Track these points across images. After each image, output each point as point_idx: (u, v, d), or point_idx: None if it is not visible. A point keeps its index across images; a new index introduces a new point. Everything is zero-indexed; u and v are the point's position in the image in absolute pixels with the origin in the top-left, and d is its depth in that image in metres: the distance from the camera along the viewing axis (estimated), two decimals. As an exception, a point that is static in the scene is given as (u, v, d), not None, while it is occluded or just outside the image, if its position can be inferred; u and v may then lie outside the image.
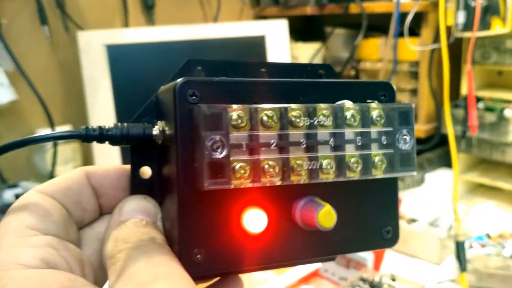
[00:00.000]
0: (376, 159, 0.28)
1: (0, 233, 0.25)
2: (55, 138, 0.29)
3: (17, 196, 0.95)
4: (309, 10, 1.42)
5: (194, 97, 0.26)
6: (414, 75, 1.28)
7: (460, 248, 0.89)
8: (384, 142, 0.28)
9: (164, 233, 0.28)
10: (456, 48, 1.16)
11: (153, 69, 1.13)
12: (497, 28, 1.02)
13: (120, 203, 0.29)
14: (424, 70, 1.23)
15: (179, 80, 0.26)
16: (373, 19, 1.32)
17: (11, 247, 0.24)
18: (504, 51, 1.12)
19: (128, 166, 0.30)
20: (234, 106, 0.25)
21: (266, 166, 0.26)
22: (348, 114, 0.28)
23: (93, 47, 1.07)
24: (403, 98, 1.31)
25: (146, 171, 0.30)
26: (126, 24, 1.27)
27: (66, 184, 0.28)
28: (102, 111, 1.08)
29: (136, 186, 0.30)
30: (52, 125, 1.06)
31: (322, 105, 0.27)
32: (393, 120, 0.29)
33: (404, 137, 0.29)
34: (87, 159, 1.17)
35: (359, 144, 0.28)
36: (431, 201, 1.15)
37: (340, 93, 0.29)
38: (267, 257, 0.28)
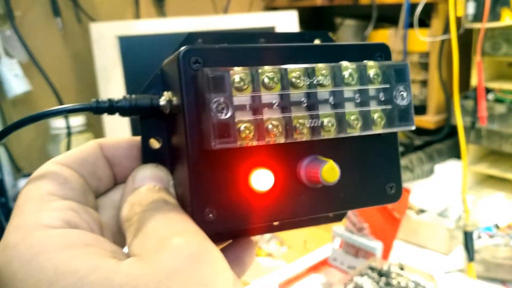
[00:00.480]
0: (375, 115, 0.29)
1: (21, 200, 0.26)
2: (68, 111, 0.30)
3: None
4: (319, 1, 1.42)
5: (197, 64, 0.27)
6: (424, 66, 1.28)
7: (468, 238, 0.90)
8: (382, 99, 0.29)
9: (176, 198, 0.29)
10: (466, 39, 1.15)
11: (164, 59, 1.14)
12: (507, 19, 1.01)
13: (133, 171, 0.30)
14: (434, 61, 1.23)
15: (182, 48, 0.27)
16: (383, 10, 1.32)
17: (33, 211, 0.25)
18: (514, 42, 1.12)
19: (139, 137, 0.31)
20: (237, 68, 0.26)
21: (270, 126, 0.27)
22: (346, 73, 0.29)
23: (105, 39, 1.09)
24: (413, 89, 1.31)
25: (156, 142, 0.31)
26: (137, 15, 1.28)
27: (81, 155, 0.29)
28: (114, 102, 1.09)
29: (147, 156, 0.31)
30: (66, 115, 1.08)
31: (320, 65, 0.28)
32: (390, 77, 0.30)
33: (401, 93, 0.30)
34: (100, 149, 1.19)
35: (358, 101, 0.29)
36: (440, 192, 1.16)
37: (338, 55, 0.30)
38: (275, 214, 0.29)
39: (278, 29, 1.25)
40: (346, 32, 1.46)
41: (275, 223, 0.32)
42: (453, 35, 1.02)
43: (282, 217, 0.29)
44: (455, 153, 1.30)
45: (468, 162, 1.17)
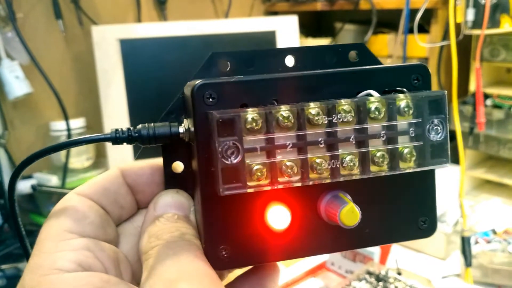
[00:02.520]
0: (405, 151, 0.27)
1: (41, 238, 0.27)
2: (88, 142, 0.30)
3: (33, 187, 0.97)
4: (319, 5, 1.43)
5: (211, 99, 0.26)
6: (423, 72, 1.29)
7: (465, 244, 0.90)
8: (412, 135, 0.27)
9: (196, 225, 0.29)
10: (465, 45, 1.16)
11: (165, 63, 1.15)
12: (506, 26, 1.02)
13: (155, 197, 0.30)
14: (433, 66, 1.24)
15: (197, 82, 0.26)
16: (383, 15, 1.32)
17: (49, 253, 0.26)
18: (513, 49, 1.13)
19: (161, 162, 0.31)
20: (249, 109, 0.25)
21: (284, 167, 0.25)
22: (372, 107, 0.26)
23: (107, 42, 1.09)
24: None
25: (178, 166, 0.31)
26: (139, 19, 1.28)
27: (103, 184, 0.30)
28: (115, 104, 1.10)
29: (170, 180, 0.31)
30: (66, 117, 1.09)
31: (342, 101, 0.26)
32: (423, 109, 0.27)
33: (436, 127, 0.27)
34: (100, 151, 1.20)
35: (383, 138, 0.27)
36: (437, 196, 1.16)
37: (367, 80, 0.28)
38: (293, 252, 0.28)
39: (279, 34, 1.25)
40: (346, 37, 1.46)
41: None
42: (453, 41, 1.03)
43: (300, 255, 0.28)
44: (453, 158, 1.31)
45: (466, 167, 1.18)
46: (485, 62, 1.16)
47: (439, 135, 0.27)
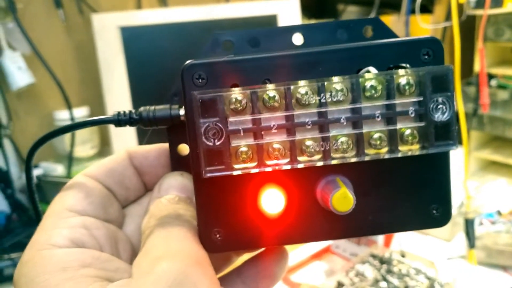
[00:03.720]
0: (407, 133, 0.25)
1: (45, 216, 0.28)
2: (92, 124, 0.31)
3: (38, 177, 0.98)
4: (322, -13, 1.41)
5: (201, 80, 0.25)
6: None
7: (469, 225, 0.90)
8: (412, 115, 0.25)
9: None
10: (470, 25, 1.15)
11: (167, 50, 1.14)
12: (509, 5, 1.01)
13: (160, 180, 0.31)
14: (436, 47, 1.23)
15: (186, 63, 0.25)
16: (386, -4, 1.31)
17: (47, 229, 0.27)
18: (518, 28, 1.11)
19: (167, 145, 0.32)
20: (232, 89, 0.24)
21: (270, 149, 0.25)
22: (367, 85, 0.24)
23: (108, 30, 1.09)
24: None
25: (184, 148, 0.31)
26: (139, 6, 1.28)
27: (109, 166, 0.31)
28: (118, 92, 1.10)
29: (176, 162, 0.31)
30: (69, 106, 1.09)
31: (334, 79, 0.24)
32: (425, 87, 0.24)
33: (440, 106, 0.25)
34: (104, 140, 1.20)
35: (378, 119, 0.25)
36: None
37: (369, 57, 0.26)
38: (288, 237, 0.27)
39: (281, 17, 1.24)
40: (349, 18, 1.45)
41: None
42: (455, 21, 1.01)
43: (296, 241, 0.27)
44: (458, 139, 1.30)
45: (471, 148, 1.17)
46: (490, 42, 1.15)
47: (445, 115, 0.25)
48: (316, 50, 0.26)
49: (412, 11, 1.19)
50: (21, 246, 0.96)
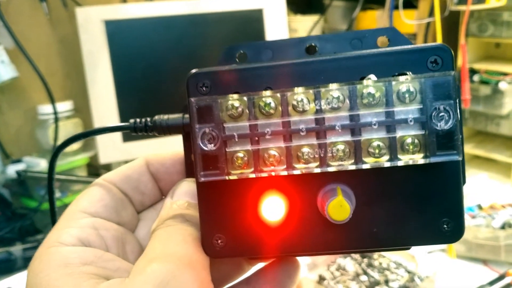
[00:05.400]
0: (407, 141, 0.24)
1: (61, 216, 0.30)
2: (110, 130, 0.33)
3: (18, 173, 0.98)
4: (308, -18, 1.41)
5: (205, 88, 0.26)
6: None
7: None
8: (412, 123, 0.24)
9: None
10: (454, 21, 1.16)
11: (152, 44, 1.14)
12: (492, 1, 1.01)
13: (174, 186, 0.32)
14: (420, 43, 1.24)
15: (191, 71, 0.26)
16: (371, -9, 1.31)
17: (59, 229, 0.29)
18: (500, 24, 1.12)
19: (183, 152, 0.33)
20: (229, 95, 0.25)
21: (266, 155, 0.25)
22: (365, 92, 0.24)
23: (92, 23, 1.08)
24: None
25: None
26: (124, -1, 1.27)
27: (127, 172, 0.33)
28: (102, 87, 1.10)
29: (190, 169, 0.32)
30: (52, 101, 1.08)
31: (330, 86, 0.24)
32: (425, 95, 0.24)
33: (442, 114, 0.24)
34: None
35: (375, 126, 0.24)
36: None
37: (372, 65, 0.25)
38: (290, 247, 0.27)
39: (266, 12, 1.24)
40: (335, 13, 1.45)
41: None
42: (437, 17, 1.02)
43: (298, 251, 0.27)
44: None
45: (454, 143, 1.18)
46: (473, 38, 1.16)
47: (448, 123, 0.24)
48: (318, 59, 0.26)
49: (396, 7, 1.20)
50: (4, 242, 0.96)
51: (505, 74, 1.13)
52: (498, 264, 0.89)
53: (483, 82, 1.16)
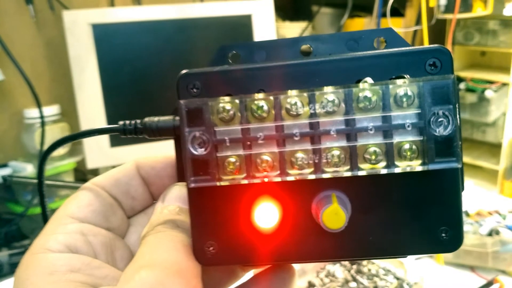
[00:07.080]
0: (405, 147, 0.23)
1: (49, 220, 0.29)
2: (99, 132, 0.31)
3: (3, 178, 0.96)
4: (296, -12, 1.42)
5: (195, 90, 0.25)
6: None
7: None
8: (409, 128, 0.23)
9: None
10: (440, 29, 1.17)
11: (139, 48, 1.13)
12: (478, 10, 1.03)
13: (165, 190, 0.31)
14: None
15: (181, 72, 0.25)
16: (359, -1, 1.32)
17: (46, 234, 0.28)
18: (486, 32, 1.14)
19: (174, 156, 0.31)
20: (220, 98, 0.24)
21: (258, 161, 0.24)
22: (361, 96, 0.23)
23: (79, 27, 1.07)
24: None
25: None
26: (112, 3, 1.26)
27: (116, 176, 0.32)
28: (89, 90, 1.09)
29: (182, 173, 0.31)
30: (39, 105, 1.07)
31: (325, 89, 0.23)
32: (424, 99, 0.23)
33: (441, 119, 0.23)
34: (75, 138, 1.18)
35: (371, 131, 0.23)
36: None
37: (368, 67, 0.25)
38: (283, 254, 0.26)
39: (255, 18, 1.25)
40: (323, 20, 1.46)
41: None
42: (424, 25, 1.03)
43: (292, 259, 0.26)
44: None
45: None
46: (460, 46, 1.17)
47: (447, 129, 0.23)
48: (313, 60, 0.25)
49: (383, 14, 1.21)
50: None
51: (491, 82, 1.14)
52: (486, 271, 0.90)
53: (469, 90, 1.17)
